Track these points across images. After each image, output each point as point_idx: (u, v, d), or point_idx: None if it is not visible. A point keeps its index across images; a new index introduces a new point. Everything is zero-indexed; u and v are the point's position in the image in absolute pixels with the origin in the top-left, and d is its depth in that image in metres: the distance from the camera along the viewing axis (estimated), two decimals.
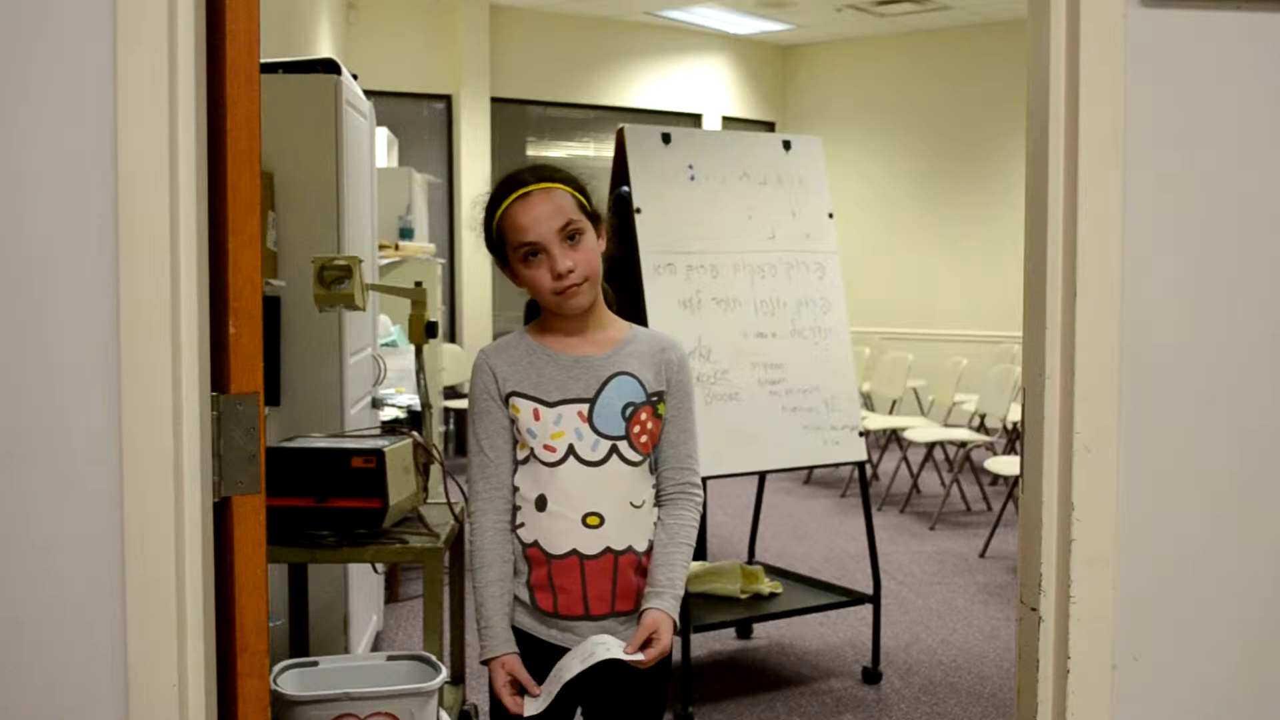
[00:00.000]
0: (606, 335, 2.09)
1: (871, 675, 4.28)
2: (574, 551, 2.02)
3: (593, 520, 2.02)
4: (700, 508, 2.13)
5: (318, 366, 3.80)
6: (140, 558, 1.47)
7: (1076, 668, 1.67)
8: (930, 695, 4.15)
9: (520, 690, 2.03)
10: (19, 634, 1.47)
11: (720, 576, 4.31)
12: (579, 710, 2.16)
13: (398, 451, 2.77)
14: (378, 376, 4.48)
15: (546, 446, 2.03)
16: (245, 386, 1.55)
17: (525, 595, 2.06)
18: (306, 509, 2.68)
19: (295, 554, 2.69)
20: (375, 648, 4.41)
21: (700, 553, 5.29)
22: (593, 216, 2.06)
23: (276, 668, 2.40)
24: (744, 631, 4.79)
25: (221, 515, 1.57)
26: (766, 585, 4.34)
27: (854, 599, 4.35)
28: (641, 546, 2.06)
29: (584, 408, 2.03)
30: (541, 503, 2.03)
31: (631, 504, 2.05)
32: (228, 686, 1.58)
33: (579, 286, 2.01)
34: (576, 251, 2.00)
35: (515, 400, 2.04)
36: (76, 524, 1.47)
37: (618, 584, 2.04)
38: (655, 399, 2.07)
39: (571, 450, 2.02)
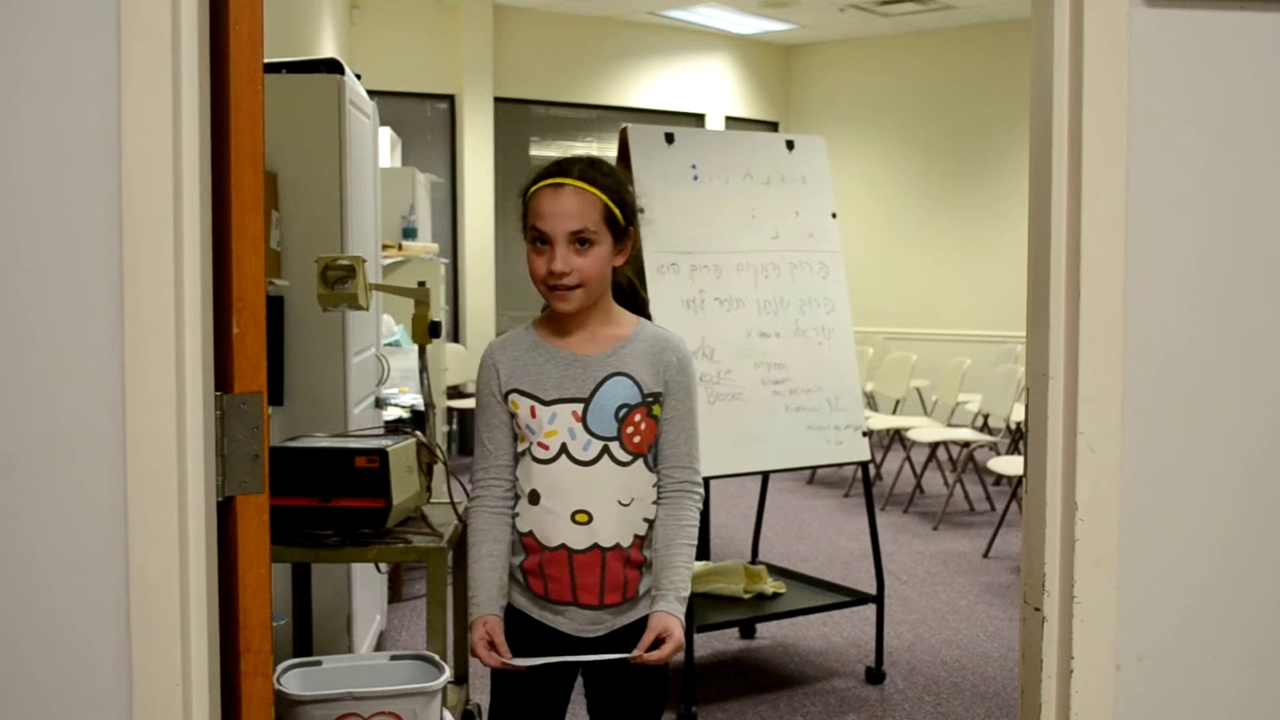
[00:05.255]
0: (608, 332, 2.10)
1: (875, 675, 4.28)
2: (563, 546, 2.08)
3: (581, 518, 2.07)
4: (700, 505, 2.16)
5: (321, 366, 3.80)
6: (144, 557, 1.47)
7: (1080, 668, 1.67)
8: (934, 695, 4.15)
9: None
10: (23, 633, 1.48)
11: (724, 576, 4.31)
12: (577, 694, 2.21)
13: (401, 451, 2.77)
14: (381, 376, 4.48)
15: (540, 444, 2.08)
16: (249, 386, 1.56)
17: (520, 576, 2.13)
18: (310, 509, 2.68)
19: (299, 554, 2.69)
20: (379, 647, 4.42)
21: (704, 553, 5.29)
22: (621, 230, 2.06)
23: (280, 667, 2.41)
24: (747, 631, 4.78)
25: (225, 515, 1.57)
26: (770, 585, 4.34)
27: (857, 599, 4.35)
28: (628, 543, 2.10)
29: (578, 407, 2.06)
30: (534, 497, 2.09)
31: (620, 502, 2.08)
32: (231, 686, 1.58)
33: (569, 291, 2.02)
34: (580, 258, 2.01)
35: (514, 397, 2.09)
36: (80, 524, 1.47)
37: (606, 578, 2.09)
38: (651, 400, 2.09)
39: (564, 449, 2.07)
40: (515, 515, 2.12)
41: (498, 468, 2.12)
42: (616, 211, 2.04)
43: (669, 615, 2.07)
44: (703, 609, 4.09)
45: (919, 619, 5.01)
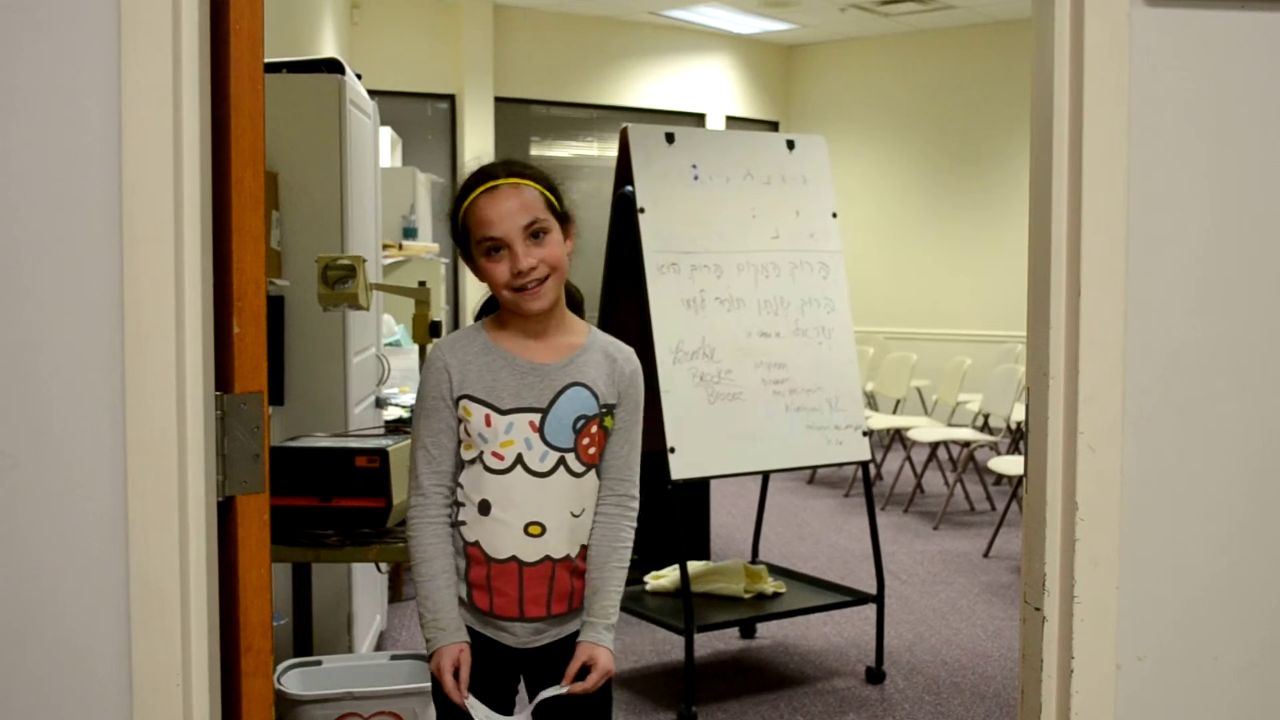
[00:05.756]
0: (564, 340, 2.07)
1: (875, 675, 4.28)
2: (514, 558, 2.03)
3: (534, 529, 2.03)
4: (636, 520, 2.13)
5: (322, 366, 3.80)
6: (144, 557, 1.47)
7: (1080, 667, 1.67)
8: (934, 695, 4.15)
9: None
10: (24, 633, 1.48)
11: (724, 576, 4.31)
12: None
13: (401, 451, 2.77)
14: (381, 376, 4.48)
15: (495, 454, 2.02)
16: (249, 386, 1.56)
17: (463, 591, 2.07)
18: (310, 508, 2.68)
19: (299, 553, 2.69)
20: (379, 647, 4.42)
21: (703, 552, 5.30)
22: (561, 216, 2.04)
23: (280, 667, 2.41)
24: (748, 631, 4.78)
25: (225, 515, 1.57)
26: (770, 585, 4.34)
27: (858, 599, 4.35)
28: (576, 552, 2.07)
29: (536, 418, 2.02)
30: (485, 507, 2.03)
31: (572, 513, 2.06)
32: (232, 686, 1.58)
33: (540, 286, 1.99)
34: (541, 248, 1.98)
35: (467, 403, 2.03)
36: (81, 524, 1.47)
37: (554, 588, 2.06)
38: (605, 411, 2.07)
39: (520, 460, 2.02)
40: (461, 524, 2.06)
41: (440, 474, 2.05)
42: (553, 198, 2.02)
43: (595, 645, 2.05)
44: (703, 609, 4.09)
45: (919, 619, 5.01)
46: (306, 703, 2.37)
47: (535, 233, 1.98)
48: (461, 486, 2.06)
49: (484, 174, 2.03)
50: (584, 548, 2.08)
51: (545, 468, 2.02)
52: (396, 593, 5.16)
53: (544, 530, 2.03)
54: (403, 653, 2.61)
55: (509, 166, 2.04)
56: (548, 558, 2.04)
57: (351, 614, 3.94)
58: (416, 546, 2.05)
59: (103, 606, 1.48)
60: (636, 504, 2.13)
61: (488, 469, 2.02)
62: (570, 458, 2.04)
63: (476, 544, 2.04)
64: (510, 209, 1.97)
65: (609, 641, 2.07)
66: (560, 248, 2.01)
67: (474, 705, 2.02)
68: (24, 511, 1.47)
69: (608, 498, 2.10)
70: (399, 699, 2.39)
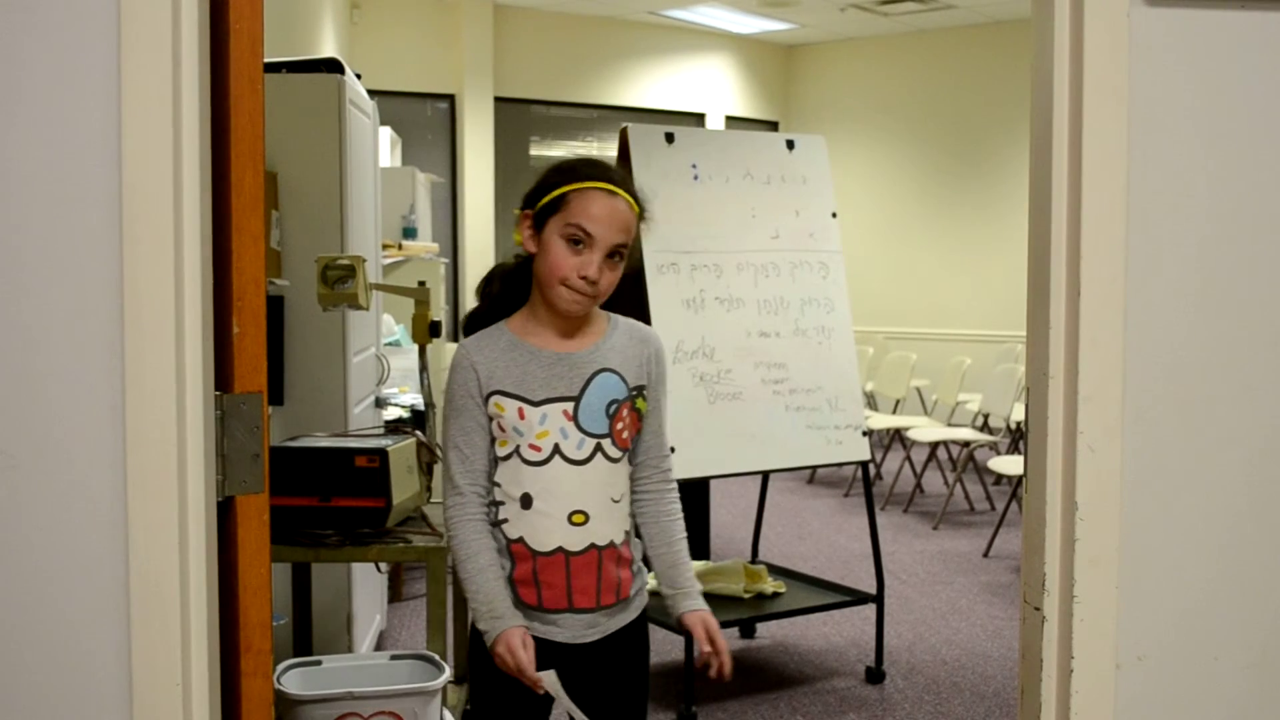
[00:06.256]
0: (589, 328, 2.09)
1: (875, 675, 4.28)
2: (560, 549, 2.04)
3: (578, 518, 2.04)
4: (678, 493, 2.20)
5: (321, 366, 3.80)
6: (144, 557, 1.47)
7: (1080, 667, 1.67)
8: (934, 695, 4.15)
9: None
10: (23, 633, 1.48)
11: (724, 576, 4.31)
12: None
13: (401, 451, 2.77)
14: (381, 376, 4.48)
15: (532, 446, 2.03)
16: (249, 386, 1.55)
17: (510, 589, 2.07)
18: (310, 508, 2.68)
19: (299, 553, 2.70)
20: (379, 647, 4.42)
21: (704, 552, 5.30)
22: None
23: (280, 667, 2.41)
24: (747, 631, 4.79)
25: (225, 515, 1.57)
26: (770, 585, 4.34)
27: (857, 598, 4.35)
28: (620, 539, 2.10)
29: (569, 406, 2.04)
30: (527, 501, 2.04)
31: (612, 499, 2.08)
32: (231, 686, 1.58)
33: (588, 300, 2.02)
34: (611, 272, 2.02)
35: (498, 399, 2.03)
36: (80, 524, 1.47)
37: (602, 578, 2.07)
38: (635, 394, 2.09)
39: (557, 449, 2.03)
40: (503, 522, 2.06)
41: (475, 473, 2.05)
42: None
43: (702, 612, 2.12)
44: None
45: (919, 619, 5.01)
46: (306, 703, 2.37)
47: (614, 254, 2.01)
48: (499, 484, 2.07)
49: (608, 173, 2.04)
50: (627, 534, 2.11)
51: (583, 455, 2.04)
52: (396, 593, 5.16)
53: (587, 518, 2.05)
54: (403, 652, 2.61)
55: (627, 182, 2.06)
56: (593, 545, 2.05)
57: (351, 614, 3.94)
58: (459, 544, 2.06)
59: (103, 606, 1.48)
60: (674, 478, 2.19)
61: (526, 462, 2.03)
62: (606, 443, 2.06)
63: (520, 540, 2.05)
64: (617, 223, 2.00)
65: (705, 605, 2.14)
66: (616, 281, 2.05)
67: (552, 683, 2.00)
68: (24, 511, 1.46)
69: (652, 476, 2.15)
70: (399, 699, 2.39)
